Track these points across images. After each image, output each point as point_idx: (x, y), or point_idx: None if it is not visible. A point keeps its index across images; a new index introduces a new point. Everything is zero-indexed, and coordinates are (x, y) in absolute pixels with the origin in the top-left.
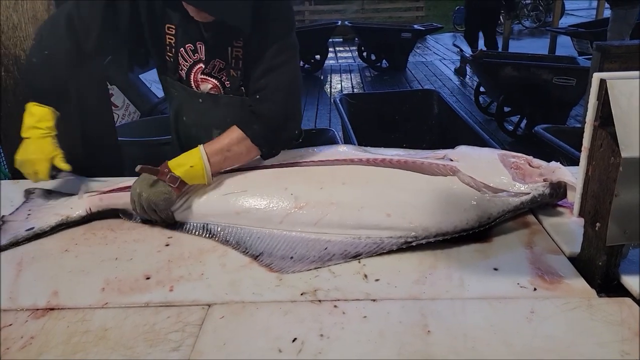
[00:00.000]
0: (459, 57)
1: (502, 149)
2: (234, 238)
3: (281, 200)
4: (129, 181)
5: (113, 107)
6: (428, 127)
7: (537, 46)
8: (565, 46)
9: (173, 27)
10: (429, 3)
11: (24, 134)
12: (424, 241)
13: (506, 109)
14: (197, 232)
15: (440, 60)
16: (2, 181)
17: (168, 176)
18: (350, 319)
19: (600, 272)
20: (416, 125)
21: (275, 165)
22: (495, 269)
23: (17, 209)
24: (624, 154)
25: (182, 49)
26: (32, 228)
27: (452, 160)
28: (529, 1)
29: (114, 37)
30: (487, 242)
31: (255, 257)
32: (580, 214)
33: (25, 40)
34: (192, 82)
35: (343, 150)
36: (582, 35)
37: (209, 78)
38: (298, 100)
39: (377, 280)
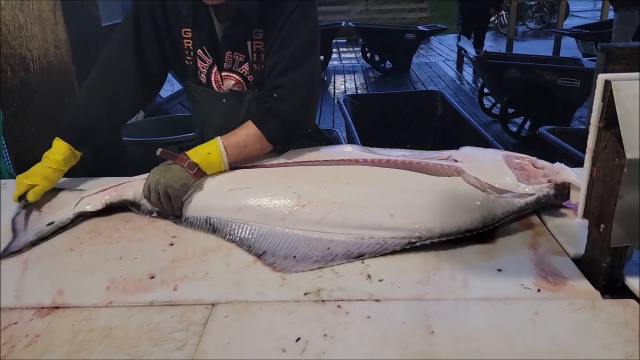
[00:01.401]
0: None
1: (506, 150)
2: (237, 234)
3: (284, 198)
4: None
5: None
6: (432, 128)
7: (542, 47)
8: (570, 47)
9: (189, 30)
10: (433, 4)
11: (42, 159)
12: (428, 242)
13: (510, 110)
14: (200, 227)
15: (444, 61)
16: (7, 180)
17: (187, 162)
18: (353, 319)
19: (605, 273)
20: (420, 126)
21: (280, 164)
22: (499, 270)
23: (23, 208)
24: (628, 156)
25: (199, 50)
26: (53, 222)
27: (456, 161)
28: (533, 2)
29: (152, 59)
30: (490, 243)
31: (259, 256)
32: (585, 216)
33: (31, 40)
34: (214, 83)
35: (347, 151)
36: (586, 37)
37: (230, 74)
38: (315, 99)
39: (380, 280)
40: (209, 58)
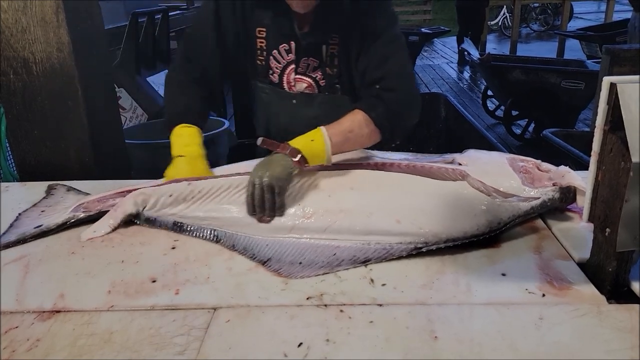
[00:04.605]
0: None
1: (510, 152)
2: (242, 244)
3: (289, 210)
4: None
5: (120, 110)
6: (435, 131)
7: (546, 49)
8: (574, 50)
9: (264, 30)
10: (436, 6)
11: (176, 153)
12: (434, 247)
13: (514, 113)
14: (204, 237)
15: (447, 63)
16: (9, 184)
17: (289, 149)
18: (356, 324)
19: (610, 278)
20: (423, 128)
21: None
22: (503, 275)
23: (34, 204)
24: (634, 159)
25: (275, 50)
26: (40, 226)
27: (461, 164)
28: (537, 4)
29: (228, 49)
30: (494, 247)
31: (263, 263)
32: (590, 220)
33: (34, 42)
34: (285, 84)
35: (351, 155)
36: (590, 39)
37: (304, 77)
38: (416, 87)
39: (383, 285)
40: (284, 59)
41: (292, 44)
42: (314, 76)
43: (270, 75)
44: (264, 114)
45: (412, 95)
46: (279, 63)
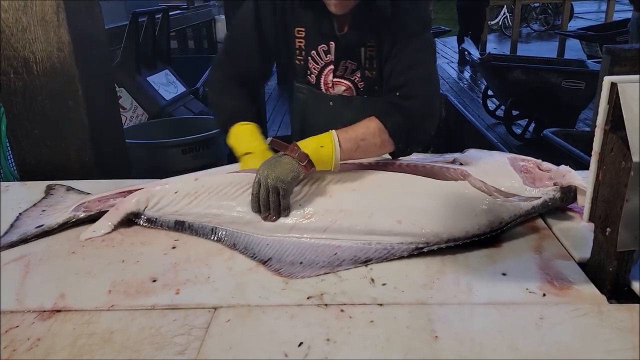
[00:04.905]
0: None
1: (510, 152)
2: (242, 243)
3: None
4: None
5: (121, 110)
6: (436, 131)
7: (546, 49)
8: (574, 49)
9: (303, 29)
10: (436, 6)
11: (243, 150)
12: (435, 247)
13: (514, 113)
14: (204, 235)
15: (447, 63)
16: (9, 183)
17: (297, 153)
18: (357, 324)
19: (611, 278)
20: None
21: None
22: (504, 274)
23: (34, 204)
24: (635, 159)
25: (313, 51)
26: (42, 225)
27: (462, 164)
28: (538, 4)
29: (269, 49)
30: (495, 247)
31: (264, 263)
32: (590, 219)
33: (35, 42)
34: (323, 85)
35: None
36: (591, 39)
37: (342, 80)
38: (438, 98)
39: (384, 284)
40: (322, 60)
41: (332, 44)
42: (352, 79)
43: (308, 76)
44: (300, 114)
45: (429, 106)
46: (317, 64)
